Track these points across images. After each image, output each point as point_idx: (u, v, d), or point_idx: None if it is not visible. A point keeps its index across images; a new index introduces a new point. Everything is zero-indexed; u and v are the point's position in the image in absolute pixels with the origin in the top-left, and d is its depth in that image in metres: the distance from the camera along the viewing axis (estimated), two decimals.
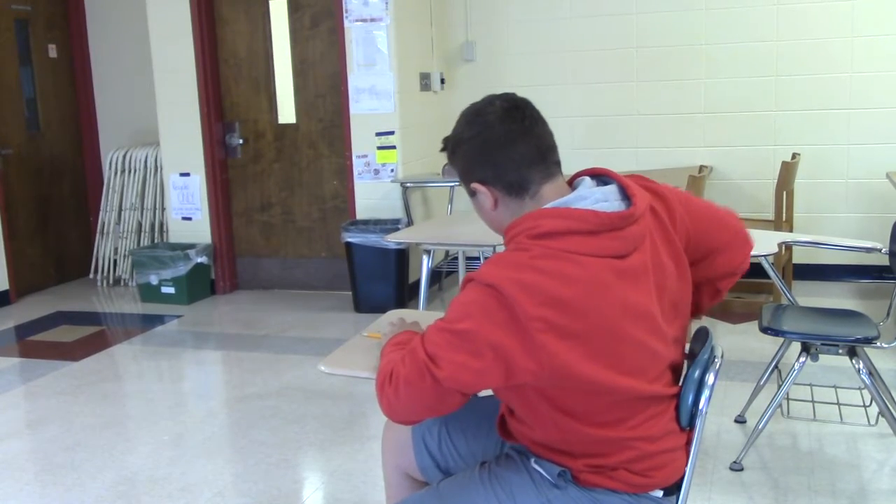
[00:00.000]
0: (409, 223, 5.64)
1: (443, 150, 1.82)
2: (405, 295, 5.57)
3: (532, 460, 1.76)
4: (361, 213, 5.90)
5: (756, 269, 5.17)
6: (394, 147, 5.74)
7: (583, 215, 1.60)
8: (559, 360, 1.54)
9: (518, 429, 1.79)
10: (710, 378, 1.73)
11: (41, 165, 6.67)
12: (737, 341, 4.66)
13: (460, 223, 4.45)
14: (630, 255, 1.63)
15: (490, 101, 1.72)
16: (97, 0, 6.91)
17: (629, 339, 1.60)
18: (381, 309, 4.56)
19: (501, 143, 1.68)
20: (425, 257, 4.21)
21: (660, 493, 1.73)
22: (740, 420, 3.61)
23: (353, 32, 5.68)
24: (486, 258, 5.86)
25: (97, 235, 6.82)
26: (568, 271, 1.56)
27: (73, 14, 6.90)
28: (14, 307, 6.16)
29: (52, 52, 6.77)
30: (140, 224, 6.71)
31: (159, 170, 6.54)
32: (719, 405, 3.74)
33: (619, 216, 1.61)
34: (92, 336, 5.40)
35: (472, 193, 1.77)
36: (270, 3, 6.01)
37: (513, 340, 1.53)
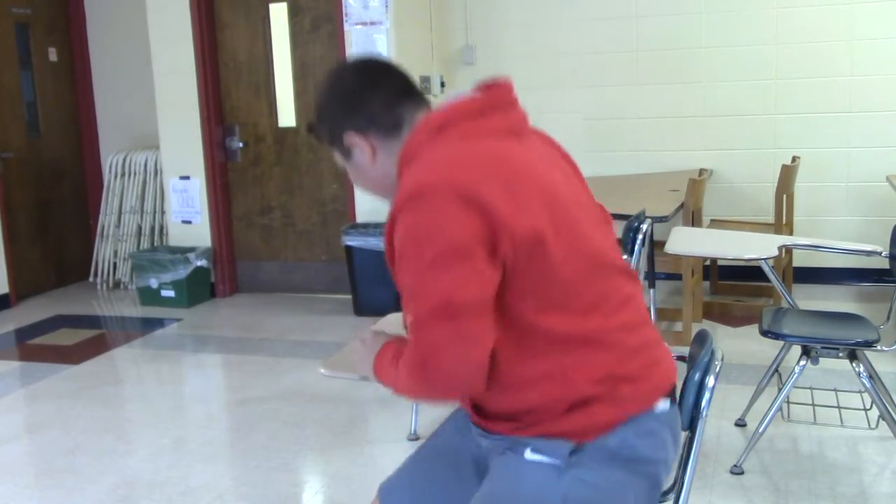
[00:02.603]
0: None
1: (309, 131, 1.76)
2: None
3: (528, 450, 1.61)
4: (361, 217, 5.90)
5: (756, 272, 5.20)
6: None
7: (462, 102, 1.59)
8: (530, 223, 1.49)
9: (503, 387, 1.60)
10: (710, 381, 1.73)
11: (41, 169, 6.67)
12: (737, 344, 4.65)
13: None
14: (526, 137, 1.62)
15: (340, 62, 1.72)
16: (97, 3, 6.92)
17: (576, 208, 1.59)
18: (381, 312, 4.56)
19: (364, 86, 1.64)
20: None
21: (667, 405, 1.64)
22: (740, 423, 3.61)
23: (353, 36, 5.68)
24: None
25: (97, 239, 6.82)
26: (489, 147, 1.54)
27: (73, 17, 6.90)
28: (14, 310, 6.16)
29: (53, 55, 6.77)
30: (140, 227, 6.70)
31: (159, 173, 6.54)
32: (719, 408, 3.74)
33: (498, 96, 1.61)
34: (92, 339, 5.39)
35: (347, 154, 1.69)
36: (270, 6, 6.02)
37: (484, 225, 1.46)
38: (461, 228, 1.45)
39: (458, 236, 1.45)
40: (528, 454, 1.60)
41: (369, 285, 5.55)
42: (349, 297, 5.75)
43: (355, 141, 1.66)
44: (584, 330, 1.56)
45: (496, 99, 1.62)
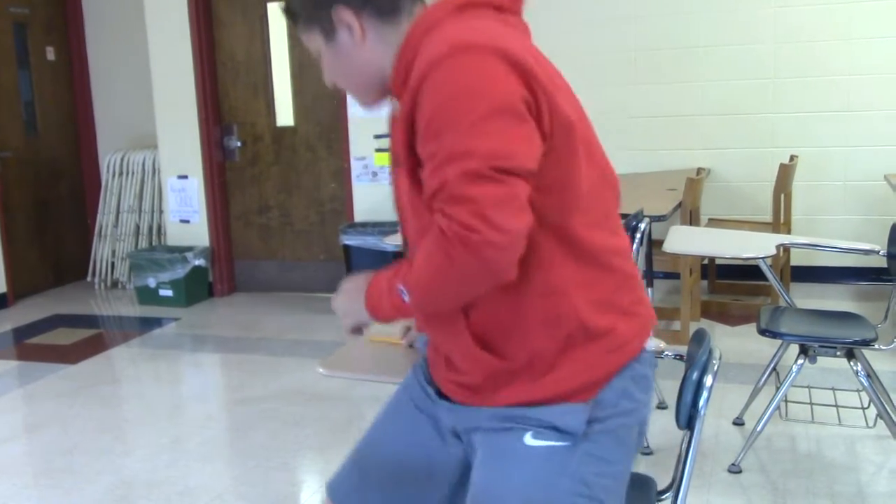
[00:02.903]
0: None
1: (285, 8, 1.56)
2: None
3: (529, 436, 1.47)
4: (360, 216, 5.90)
5: (754, 271, 5.20)
6: None
7: None
8: (565, 106, 1.42)
9: (506, 333, 1.48)
10: (707, 380, 1.72)
11: (39, 168, 6.67)
12: (735, 343, 4.66)
13: None
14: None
15: None
16: (95, 3, 6.91)
17: (588, 120, 1.53)
18: None
19: None
20: None
21: (652, 345, 1.58)
22: (738, 422, 3.61)
23: None
24: None
25: (95, 238, 6.82)
26: (517, 34, 1.44)
27: (71, 17, 6.90)
28: (11, 310, 6.15)
29: (51, 54, 6.77)
30: (138, 227, 6.70)
31: (157, 172, 6.54)
32: (717, 407, 3.74)
33: (514, 2, 1.51)
34: (89, 339, 5.39)
35: (330, 34, 1.50)
36: (268, 5, 6.02)
37: (531, 93, 1.35)
38: (511, 88, 1.32)
39: (509, 95, 1.32)
40: (529, 440, 1.48)
41: None
42: None
43: (346, 18, 1.47)
44: (594, 244, 1.48)
45: (512, 4, 1.51)
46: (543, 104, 1.36)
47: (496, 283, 1.36)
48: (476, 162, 1.28)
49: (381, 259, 5.42)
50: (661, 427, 3.54)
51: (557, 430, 1.47)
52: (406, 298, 1.42)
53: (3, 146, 6.30)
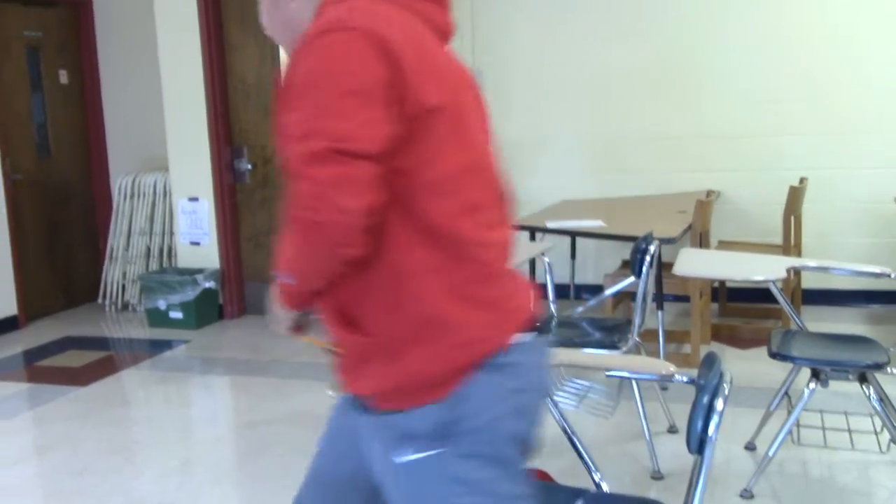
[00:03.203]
0: None
1: None
2: None
3: (399, 452, 1.50)
4: None
5: (765, 294, 5.18)
6: None
7: None
8: (436, 93, 1.46)
9: (368, 317, 1.51)
10: (718, 404, 1.72)
11: (51, 190, 6.71)
12: (746, 367, 4.63)
13: None
14: (446, 39, 1.58)
15: None
16: (108, 25, 6.98)
17: (468, 110, 1.55)
18: None
19: None
20: None
21: (525, 338, 1.56)
22: (750, 447, 3.58)
23: None
24: None
25: (106, 260, 6.85)
26: (415, 23, 1.50)
27: (84, 39, 6.96)
28: (23, 332, 6.17)
29: (63, 77, 6.83)
30: (149, 249, 6.73)
31: (168, 195, 6.57)
32: (728, 432, 3.72)
33: None
34: (100, 361, 5.40)
35: None
36: None
37: (393, 77, 1.40)
38: (370, 71, 1.38)
39: (366, 78, 1.38)
40: (401, 457, 1.50)
41: None
42: None
43: None
44: (455, 231, 1.49)
45: None
46: (409, 88, 1.41)
47: (341, 260, 1.41)
48: (321, 143, 1.34)
49: None
50: (672, 451, 3.52)
51: (420, 439, 1.48)
52: (291, 281, 1.49)
53: (15, 168, 6.34)
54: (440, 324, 1.48)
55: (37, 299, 6.52)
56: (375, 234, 1.43)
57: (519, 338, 1.54)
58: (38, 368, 5.31)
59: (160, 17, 6.12)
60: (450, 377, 1.48)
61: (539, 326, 1.61)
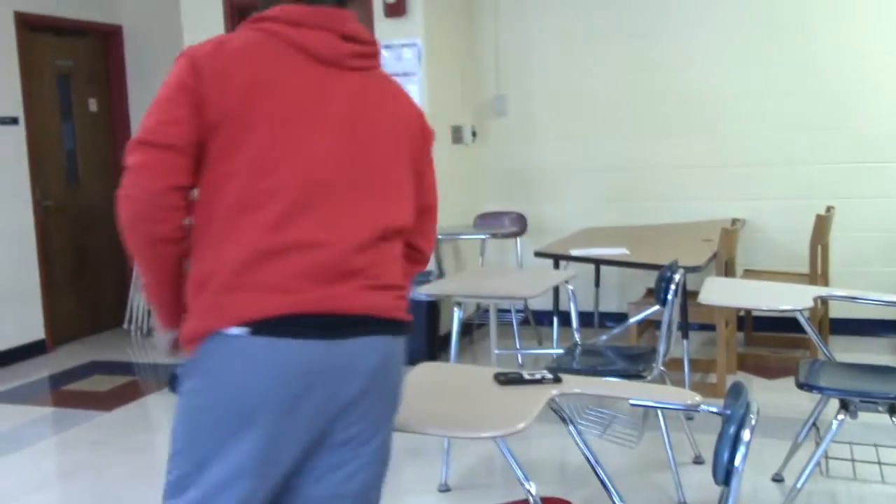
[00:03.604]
0: (441, 275, 5.65)
1: None
2: (436, 348, 5.55)
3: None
4: None
5: (792, 324, 5.13)
6: None
7: (294, 8, 1.78)
8: (233, 102, 1.70)
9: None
10: (745, 434, 1.70)
11: (79, 217, 6.79)
12: (773, 397, 4.58)
13: (492, 276, 4.44)
14: (336, 65, 1.78)
15: None
16: (137, 54, 7.08)
17: (326, 137, 1.75)
18: (412, 362, 4.53)
19: None
20: (456, 310, 4.20)
21: (244, 332, 1.69)
22: (778, 479, 3.53)
23: None
24: (517, 310, 5.85)
25: (132, 286, 6.90)
26: (252, 39, 1.75)
27: (113, 68, 7.06)
28: (50, 356, 6.22)
29: (93, 105, 6.92)
30: None
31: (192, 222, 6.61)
32: (755, 463, 3.67)
33: (327, 18, 1.78)
34: (125, 386, 5.43)
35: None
36: None
37: (194, 83, 1.69)
38: (181, 82, 1.70)
39: (176, 88, 1.69)
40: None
41: None
42: None
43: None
44: (237, 225, 1.70)
45: (322, 19, 1.78)
46: (210, 99, 1.68)
47: (153, 236, 1.70)
48: (138, 134, 1.69)
49: (414, 309, 5.41)
50: (698, 482, 3.48)
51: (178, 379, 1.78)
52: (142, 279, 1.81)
53: (45, 195, 6.42)
54: (198, 290, 1.74)
55: (64, 324, 6.58)
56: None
57: (236, 330, 1.69)
58: (64, 393, 5.35)
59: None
60: (195, 337, 1.74)
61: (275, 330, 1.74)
